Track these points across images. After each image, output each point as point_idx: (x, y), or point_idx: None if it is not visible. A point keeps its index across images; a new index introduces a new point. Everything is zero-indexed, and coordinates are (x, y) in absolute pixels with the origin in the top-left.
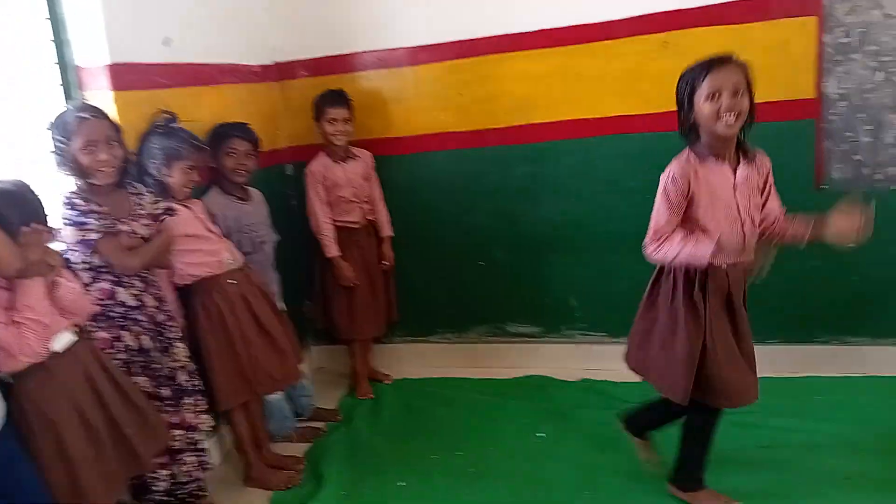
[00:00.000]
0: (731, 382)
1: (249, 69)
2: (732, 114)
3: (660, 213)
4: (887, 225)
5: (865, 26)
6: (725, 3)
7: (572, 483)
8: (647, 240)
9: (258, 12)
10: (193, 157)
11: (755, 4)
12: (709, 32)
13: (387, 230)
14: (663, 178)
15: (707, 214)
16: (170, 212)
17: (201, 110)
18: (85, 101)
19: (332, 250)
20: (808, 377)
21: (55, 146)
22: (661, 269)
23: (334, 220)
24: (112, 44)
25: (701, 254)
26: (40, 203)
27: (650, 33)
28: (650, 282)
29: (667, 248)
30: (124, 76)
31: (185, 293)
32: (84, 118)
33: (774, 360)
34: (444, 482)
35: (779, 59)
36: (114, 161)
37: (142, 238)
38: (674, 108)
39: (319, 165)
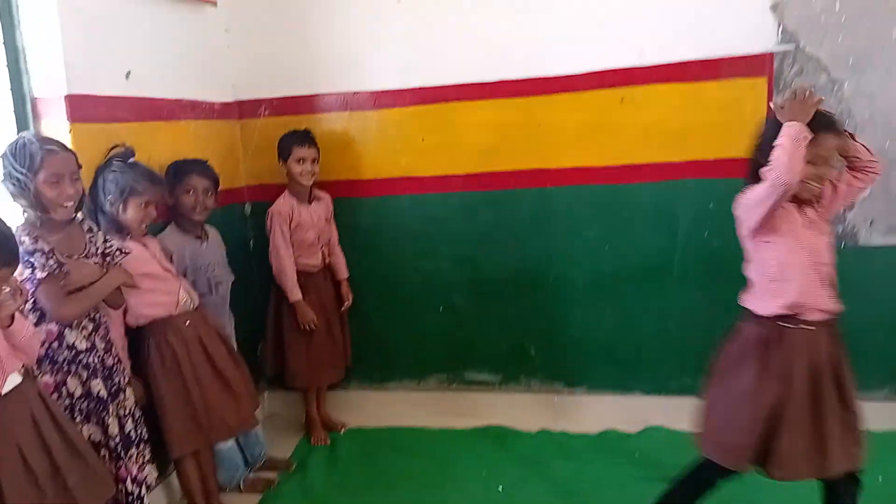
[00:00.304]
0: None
1: (209, 106)
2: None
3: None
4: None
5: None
6: (680, 63)
7: None
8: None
9: (220, 48)
10: (149, 193)
11: (708, 64)
12: (664, 89)
13: (344, 272)
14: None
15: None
16: (121, 251)
17: (159, 146)
18: (41, 133)
19: (296, 294)
20: None
21: (14, 177)
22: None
23: (294, 264)
24: (70, 75)
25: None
26: (14, 242)
27: (608, 87)
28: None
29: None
30: (81, 108)
31: (136, 334)
32: (52, 150)
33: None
34: None
35: (731, 117)
36: (75, 196)
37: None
38: (628, 161)
39: (286, 205)
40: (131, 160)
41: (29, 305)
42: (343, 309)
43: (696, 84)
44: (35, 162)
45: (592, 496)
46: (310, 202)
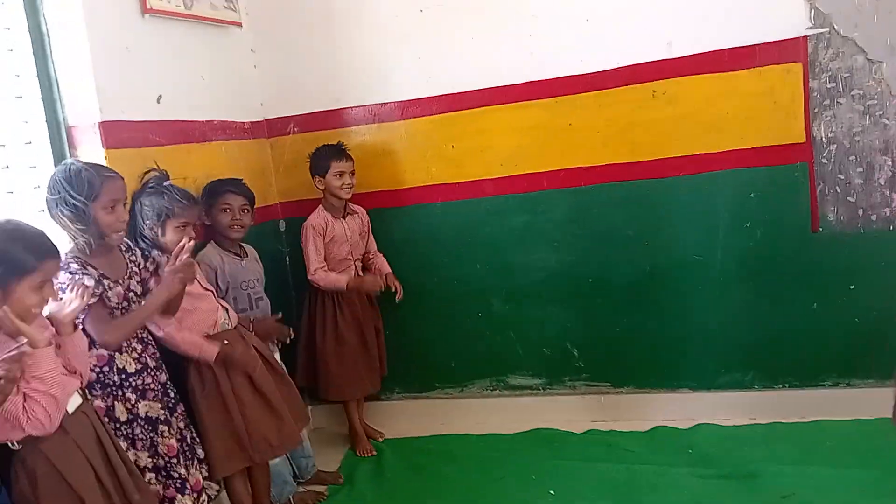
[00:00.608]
0: None
1: (240, 125)
2: None
3: None
4: (885, 266)
5: (850, 71)
6: (712, 52)
7: None
8: None
9: (246, 68)
10: (186, 215)
11: (741, 52)
12: (697, 81)
13: (387, 268)
14: None
15: None
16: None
17: (192, 168)
18: (83, 160)
19: (342, 282)
20: (817, 421)
21: (70, 204)
22: None
23: None
24: (102, 102)
25: None
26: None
27: (639, 83)
28: None
29: None
30: (115, 134)
31: (177, 354)
32: (110, 176)
33: (782, 406)
34: None
35: (767, 105)
36: (127, 221)
37: (135, 296)
38: (663, 155)
39: (321, 219)
40: (167, 183)
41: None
42: (397, 298)
43: (729, 73)
44: (95, 188)
45: (647, 495)
46: (344, 217)
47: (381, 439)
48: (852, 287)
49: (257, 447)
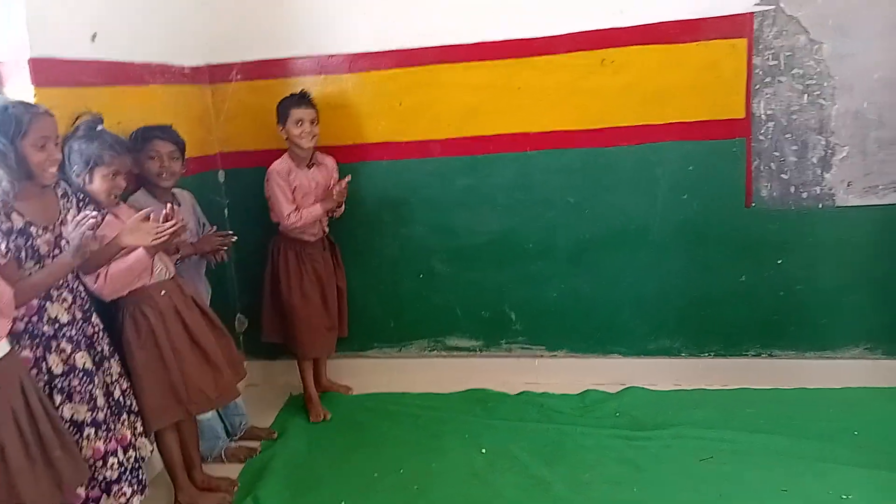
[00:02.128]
0: None
1: (179, 70)
2: None
3: None
4: (813, 242)
5: (792, 50)
6: (660, 24)
7: (518, 495)
8: None
9: (189, 11)
10: (116, 163)
11: (689, 25)
12: (644, 51)
13: None
14: None
15: None
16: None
17: (128, 111)
18: (9, 98)
19: (318, 210)
20: (739, 389)
21: None
22: None
23: (290, 232)
24: (34, 37)
25: None
26: None
27: (588, 49)
28: None
29: None
30: (46, 72)
31: (111, 305)
32: (39, 113)
33: (708, 373)
34: (385, 499)
35: (711, 78)
36: (59, 160)
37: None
38: (608, 124)
39: (284, 165)
40: (99, 128)
41: None
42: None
43: (676, 45)
44: (22, 125)
45: (574, 454)
46: (309, 167)
47: (349, 392)
48: (780, 262)
49: (194, 399)
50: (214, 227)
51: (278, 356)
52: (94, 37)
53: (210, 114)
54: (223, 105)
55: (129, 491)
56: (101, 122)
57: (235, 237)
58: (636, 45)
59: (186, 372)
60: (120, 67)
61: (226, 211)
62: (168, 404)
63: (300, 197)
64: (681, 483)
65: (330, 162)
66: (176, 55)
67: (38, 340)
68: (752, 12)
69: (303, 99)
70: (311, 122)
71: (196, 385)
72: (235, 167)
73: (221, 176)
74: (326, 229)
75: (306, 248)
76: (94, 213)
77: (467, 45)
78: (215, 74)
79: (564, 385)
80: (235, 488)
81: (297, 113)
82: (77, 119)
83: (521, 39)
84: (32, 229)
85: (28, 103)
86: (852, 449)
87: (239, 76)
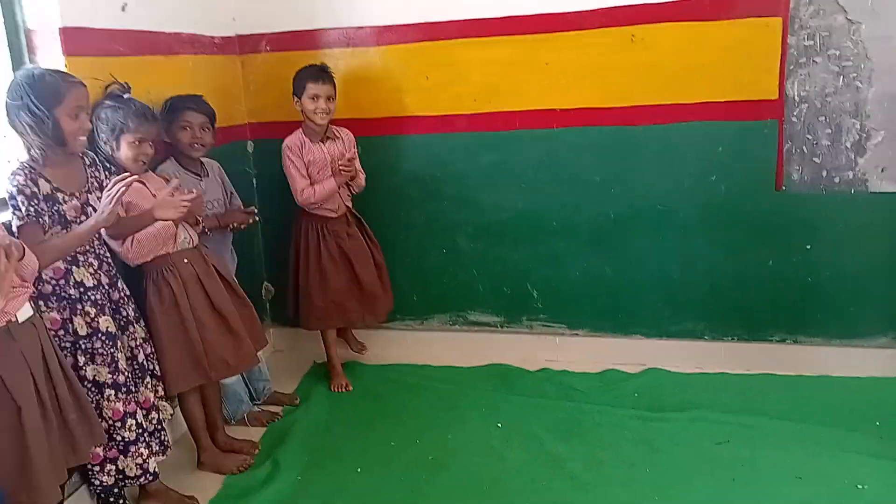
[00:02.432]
0: None
1: (209, 40)
2: None
3: None
4: (843, 228)
5: (829, 30)
6: (692, 0)
7: (532, 471)
8: None
9: None
10: (142, 131)
11: (722, 2)
12: (675, 28)
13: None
14: None
15: None
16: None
17: (157, 81)
18: (45, 66)
19: (332, 186)
20: (761, 374)
21: (31, 109)
22: None
23: (310, 208)
24: (64, 6)
25: None
26: None
27: (618, 26)
28: None
29: None
30: (77, 41)
31: (134, 271)
32: (74, 82)
33: (730, 357)
34: (402, 469)
35: (742, 58)
36: (89, 129)
37: (94, 211)
38: (636, 102)
39: (296, 139)
40: (126, 96)
41: None
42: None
43: (709, 23)
44: (60, 93)
45: (590, 432)
46: (324, 141)
47: (363, 351)
48: (809, 247)
49: (214, 365)
50: (239, 203)
51: None
52: (124, 6)
53: (239, 84)
54: (252, 76)
55: (145, 452)
56: (129, 90)
57: (258, 217)
58: (667, 21)
59: (207, 339)
60: (150, 37)
61: (254, 181)
62: (188, 369)
63: (316, 171)
64: (695, 466)
65: (346, 135)
66: (206, 26)
67: (64, 303)
68: None
69: (321, 73)
70: (328, 99)
71: (216, 351)
72: (264, 137)
73: (250, 146)
74: (349, 204)
75: (328, 224)
76: (126, 179)
77: (495, 18)
78: (245, 45)
79: (584, 363)
80: (257, 450)
81: (313, 88)
82: (106, 89)
83: (550, 14)
84: (59, 195)
85: (64, 72)
86: (873, 439)
87: (268, 47)
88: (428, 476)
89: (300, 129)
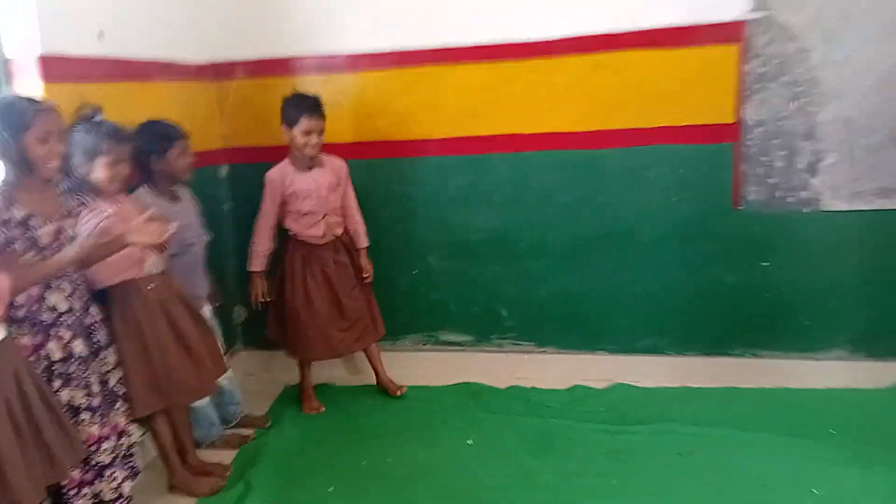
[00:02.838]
0: None
1: (185, 67)
2: None
3: None
4: (798, 245)
5: (782, 57)
6: (655, 29)
7: (505, 485)
8: None
9: (194, 8)
10: (116, 152)
11: (683, 31)
12: (639, 55)
13: (363, 241)
14: None
15: None
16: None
17: (134, 108)
18: (18, 94)
19: (253, 265)
20: (723, 388)
21: (1, 135)
22: None
23: (297, 235)
24: (44, 35)
25: None
26: None
27: (585, 53)
28: None
29: None
30: (56, 68)
31: (101, 294)
32: (42, 109)
33: (693, 372)
34: (374, 486)
35: (703, 84)
36: (61, 154)
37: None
38: (603, 126)
39: (278, 173)
40: (98, 118)
41: None
42: (365, 280)
43: (670, 51)
44: (27, 119)
45: (560, 447)
46: (311, 168)
47: (399, 393)
48: (766, 264)
49: (175, 389)
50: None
51: (276, 347)
52: (100, 35)
53: (214, 110)
54: (227, 101)
55: (120, 476)
56: (100, 112)
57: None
58: (631, 48)
59: (169, 364)
60: (127, 64)
61: (226, 206)
62: (151, 393)
63: (300, 201)
64: (662, 475)
65: (338, 163)
66: (181, 52)
67: (38, 328)
68: (745, 20)
69: (316, 108)
70: (319, 134)
71: (178, 377)
72: (238, 162)
73: (223, 171)
74: (338, 231)
75: (314, 251)
76: (107, 210)
77: (466, 46)
78: (220, 71)
79: (553, 380)
80: (228, 473)
81: (308, 123)
82: (77, 111)
83: (520, 42)
84: (32, 221)
85: (33, 99)
86: (830, 447)
87: (243, 73)
88: (400, 493)
89: (286, 160)
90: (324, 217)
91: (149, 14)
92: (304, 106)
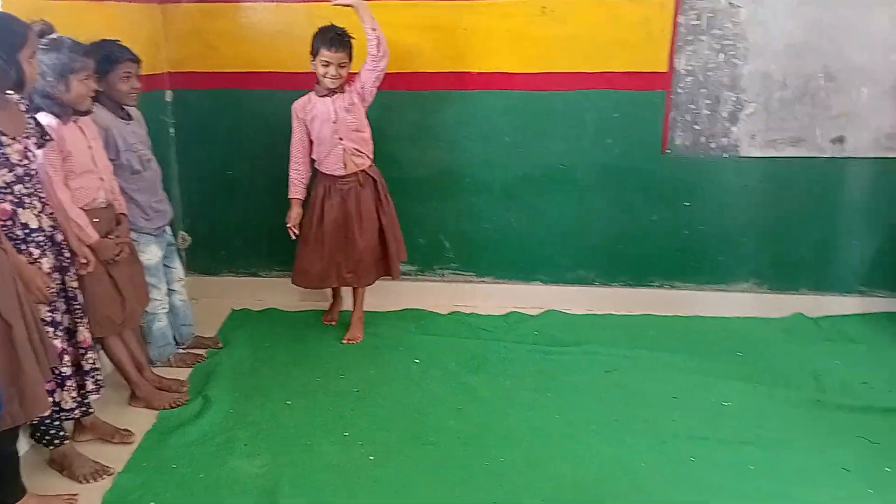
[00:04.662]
0: None
1: None
2: None
3: None
4: (717, 188)
5: (713, 12)
6: None
7: (449, 398)
8: None
9: None
10: (88, 66)
11: None
12: (583, 3)
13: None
14: None
15: None
16: (45, 137)
17: (84, 27)
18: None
19: (290, 191)
20: (643, 315)
21: None
22: None
23: (320, 165)
24: None
25: None
26: None
27: None
28: None
29: None
30: None
31: None
32: (31, 26)
33: (617, 300)
34: (328, 401)
35: (640, 33)
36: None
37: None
38: (546, 69)
39: (302, 100)
40: (55, 35)
41: None
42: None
43: (612, 0)
44: (23, 37)
45: (498, 365)
46: (331, 94)
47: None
48: (687, 204)
49: (101, 323)
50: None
51: (220, 272)
52: None
53: (160, 33)
54: (173, 25)
55: (90, 386)
56: (53, 30)
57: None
58: None
59: (97, 297)
60: None
61: (171, 130)
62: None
63: (318, 125)
64: (589, 391)
65: (355, 84)
66: None
67: (11, 244)
68: None
69: (335, 40)
70: (340, 66)
71: (103, 311)
72: (183, 87)
73: (169, 96)
74: (360, 163)
75: (336, 183)
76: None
77: None
78: None
79: (490, 307)
80: (186, 388)
81: (326, 55)
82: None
83: None
84: (3, 139)
85: (17, 17)
86: (736, 366)
87: None
88: (354, 406)
89: (312, 90)
90: (340, 142)
91: None
92: (324, 37)
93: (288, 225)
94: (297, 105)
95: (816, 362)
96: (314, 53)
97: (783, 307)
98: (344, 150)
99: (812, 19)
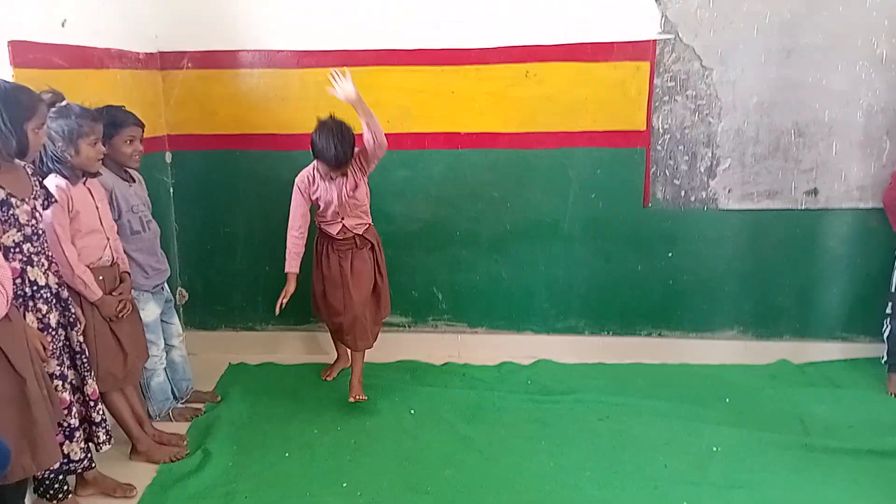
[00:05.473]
0: None
1: (135, 55)
2: None
3: None
4: (698, 239)
5: (687, 74)
6: (577, 44)
7: (444, 448)
8: None
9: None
10: (97, 130)
11: (601, 47)
12: (563, 67)
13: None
14: None
15: None
16: (50, 199)
17: (89, 93)
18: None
19: (289, 265)
20: (632, 363)
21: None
22: None
23: (320, 226)
24: (11, 20)
25: None
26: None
27: (515, 62)
28: None
29: None
30: (23, 54)
31: None
32: (42, 99)
33: (606, 349)
34: (326, 452)
35: (618, 95)
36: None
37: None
38: (530, 129)
39: (305, 175)
40: (65, 103)
41: None
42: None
43: (591, 64)
44: (32, 109)
45: (492, 414)
46: (333, 179)
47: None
48: (670, 255)
49: (104, 378)
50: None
51: (217, 327)
52: (63, 22)
53: (160, 98)
54: (173, 90)
55: (102, 435)
56: (63, 98)
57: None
58: (556, 61)
59: (100, 352)
60: (85, 51)
61: (171, 189)
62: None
63: (322, 204)
64: (581, 437)
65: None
66: (132, 42)
67: (19, 301)
68: (655, 40)
69: (339, 162)
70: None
71: (105, 366)
72: (182, 149)
73: (168, 157)
74: (358, 231)
75: (334, 244)
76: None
77: (407, 50)
78: (167, 61)
79: (483, 357)
80: (185, 442)
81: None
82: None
83: (457, 49)
84: (13, 200)
85: (28, 88)
86: (724, 412)
87: (190, 64)
88: (351, 456)
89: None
90: (342, 220)
91: (105, 2)
92: (326, 156)
93: (280, 300)
94: (301, 181)
95: (802, 407)
96: (316, 159)
97: (768, 354)
98: (343, 225)
99: (778, 77)
